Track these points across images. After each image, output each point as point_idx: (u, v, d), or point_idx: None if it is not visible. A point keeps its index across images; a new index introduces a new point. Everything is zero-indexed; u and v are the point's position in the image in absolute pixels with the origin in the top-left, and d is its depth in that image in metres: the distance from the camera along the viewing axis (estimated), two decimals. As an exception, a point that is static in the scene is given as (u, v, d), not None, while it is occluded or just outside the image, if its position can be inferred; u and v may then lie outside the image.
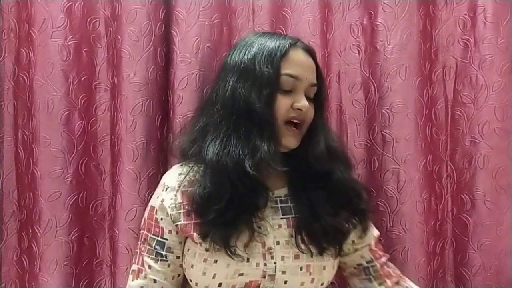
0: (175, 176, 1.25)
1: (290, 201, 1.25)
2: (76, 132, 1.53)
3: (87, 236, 1.56)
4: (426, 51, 1.55)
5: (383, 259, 1.33)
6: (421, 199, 1.51)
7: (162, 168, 1.52)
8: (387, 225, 1.53)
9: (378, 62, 1.54)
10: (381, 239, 1.47)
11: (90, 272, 1.57)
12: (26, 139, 1.54)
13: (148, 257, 1.23)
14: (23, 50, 1.53)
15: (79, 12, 1.53)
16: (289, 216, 1.22)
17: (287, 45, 1.21)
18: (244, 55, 1.22)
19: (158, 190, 1.27)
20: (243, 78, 1.20)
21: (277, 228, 1.20)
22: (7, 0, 1.53)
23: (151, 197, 1.47)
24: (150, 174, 1.50)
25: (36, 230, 1.51)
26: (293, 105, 1.19)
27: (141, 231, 1.27)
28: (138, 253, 1.26)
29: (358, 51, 1.56)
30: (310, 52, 1.26)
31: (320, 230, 1.20)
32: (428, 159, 1.54)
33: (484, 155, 1.54)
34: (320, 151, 1.22)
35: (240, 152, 1.14)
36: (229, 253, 1.13)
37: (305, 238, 1.19)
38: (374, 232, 1.35)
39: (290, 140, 1.21)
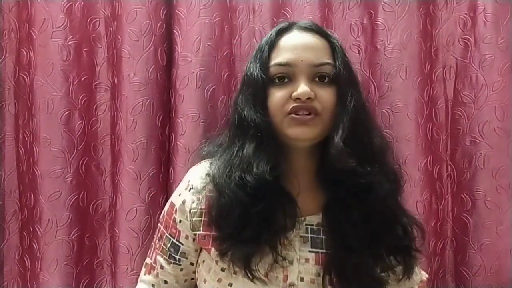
0: (201, 176, 1.11)
1: (322, 232, 1.06)
2: (77, 132, 1.54)
3: (87, 235, 1.57)
4: (427, 50, 1.55)
5: None
6: (422, 199, 1.51)
7: (163, 168, 1.52)
8: (387, 225, 1.52)
9: (378, 61, 1.54)
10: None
11: (91, 271, 1.58)
12: (27, 139, 1.54)
13: (162, 256, 1.15)
14: (23, 50, 1.53)
15: (79, 12, 1.53)
16: (319, 250, 1.05)
17: (274, 34, 1.08)
18: (248, 62, 1.13)
19: (182, 186, 1.14)
20: (242, 87, 1.11)
21: (303, 263, 1.05)
22: (8, 0, 1.53)
23: (151, 197, 1.49)
24: (150, 174, 1.49)
25: (37, 229, 1.51)
26: (292, 95, 1.02)
27: (159, 224, 1.18)
28: (153, 248, 1.18)
29: (358, 50, 1.56)
30: (312, 29, 1.08)
31: (352, 274, 1.03)
32: (428, 159, 1.54)
33: (484, 155, 1.54)
34: (335, 143, 1.01)
35: (240, 170, 1.03)
36: (248, 275, 1.01)
37: (334, 279, 1.03)
38: (421, 275, 1.17)
39: (295, 130, 1.03)
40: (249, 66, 1.09)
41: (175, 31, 1.50)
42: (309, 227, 1.07)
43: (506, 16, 1.54)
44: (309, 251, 1.05)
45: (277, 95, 1.04)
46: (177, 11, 1.50)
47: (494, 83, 1.53)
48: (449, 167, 1.59)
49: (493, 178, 1.54)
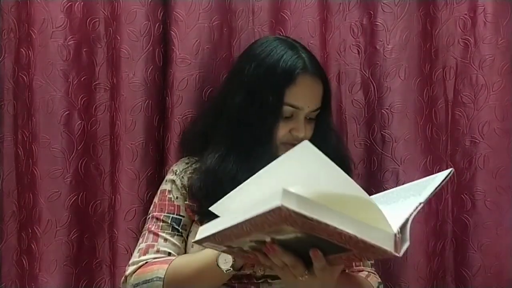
0: (182, 164, 1.35)
1: None
2: (76, 132, 1.53)
3: (86, 236, 1.56)
4: (426, 51, 1.55)
5: None
6: (421, 199, 1.51)
7: (158, 168, 1.52)
8: (386, 225, 1.52)
9: (378, 62, 1.54)
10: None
11: (90, 272, 1.57)
12: (26, 139, 1.53)
13: (164, 232, 1.26)
14: (22, 50, 1.52)
15: (79, 12, 1.52)
16: None
17: (294, 73, 1.23)
18: (255, 71, 1.25)
19: (168, 176, 1.35)
20: (251, 99, 1.24)
21: None
22: (7, 0, 1.53)
23: (149, 197, 1.48)
24: (148, 174, 1.50)
25: (36, 230, 1.50)
26: (292, 131, 1.26)
27: (151, 214, 1.31)
28: (146, 233, 1.28)
29: (358, 51, 1.56)
30: (320, 75, 1.28)
31: None
32: (428, 159, 1.54)
33: (484, 155, 1.54)
34: None
35: (237, 170, 1.21)
36: None
37: None
38: None
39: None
40: (265, 87, 1.23)
41: (172, 32, 1.49)
42: None
43: (506, 16, 1.54)
44: None
45: (282, 127, 1.25)
46: (174, 12, 1.49)
47: (494, 83, 1.53)
48: (449, 167, 1.58)
49: (493, 179, 1.54)
